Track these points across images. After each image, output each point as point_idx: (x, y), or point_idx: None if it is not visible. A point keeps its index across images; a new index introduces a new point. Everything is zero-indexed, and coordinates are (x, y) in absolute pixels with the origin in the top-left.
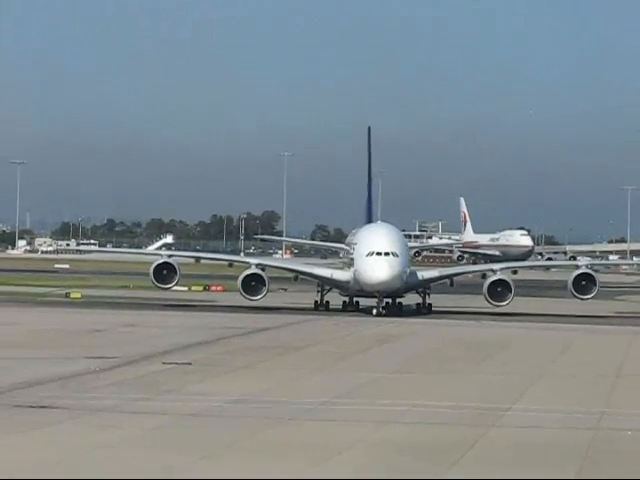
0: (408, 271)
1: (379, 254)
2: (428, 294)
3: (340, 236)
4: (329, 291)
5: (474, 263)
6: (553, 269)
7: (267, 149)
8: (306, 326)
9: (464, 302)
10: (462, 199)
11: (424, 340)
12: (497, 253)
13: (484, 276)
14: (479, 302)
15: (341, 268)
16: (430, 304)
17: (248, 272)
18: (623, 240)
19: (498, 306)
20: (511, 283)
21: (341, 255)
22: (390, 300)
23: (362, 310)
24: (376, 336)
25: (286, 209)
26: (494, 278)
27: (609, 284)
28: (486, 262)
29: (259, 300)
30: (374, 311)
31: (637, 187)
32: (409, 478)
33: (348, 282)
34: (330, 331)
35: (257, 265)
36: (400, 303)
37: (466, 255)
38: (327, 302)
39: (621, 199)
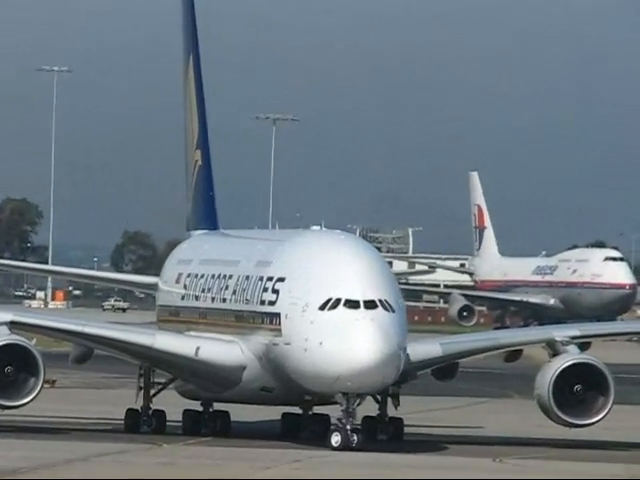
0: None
1: (354, 305)
2: (396, 395)
3: None
4: (164, 387)
5: (500, 324)
6: None
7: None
8: (106, 467)
9: (472, 415)
10: (475, 175)
11: None
12: (551, 302)
13: (510, 358)
14: (510, 412)
15: (180, 330)
16: (400, 419)
17: None
18: None
19: (577, 426)
20: (607, 373)
21: (159, 302)
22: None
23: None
24: None
25: (54, 196)
26: (568, 362)
27: None
28: (527, 321)
29: (23, 406)
30: (336, 439)
31: None
32: None
33: (240, 368)
34: None
35: (10, 326)
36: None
37: (478, 305)
38: (159, 412)
39: None
